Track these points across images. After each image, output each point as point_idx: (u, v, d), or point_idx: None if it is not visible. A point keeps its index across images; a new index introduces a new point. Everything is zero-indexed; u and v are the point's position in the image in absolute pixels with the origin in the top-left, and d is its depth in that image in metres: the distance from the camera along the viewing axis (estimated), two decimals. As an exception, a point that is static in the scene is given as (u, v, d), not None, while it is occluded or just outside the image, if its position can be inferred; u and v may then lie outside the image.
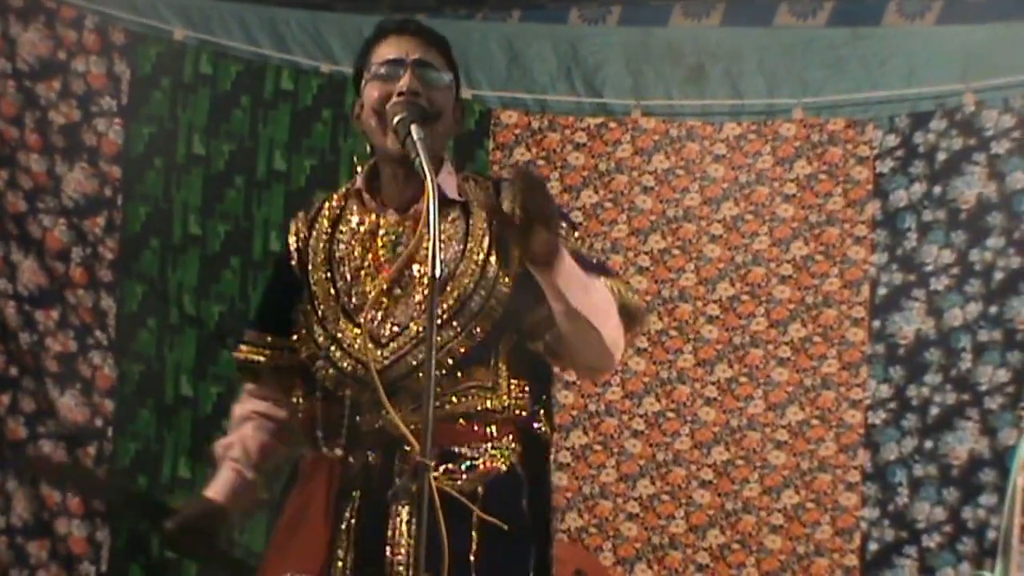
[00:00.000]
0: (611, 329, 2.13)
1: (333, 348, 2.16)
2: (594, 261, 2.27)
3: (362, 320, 2.14)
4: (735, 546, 4.11)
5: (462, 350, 2.16)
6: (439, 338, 2.10)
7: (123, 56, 4.07)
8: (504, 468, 2.19)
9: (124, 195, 4.08)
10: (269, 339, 2.32)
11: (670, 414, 4.17)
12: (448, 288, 2.16)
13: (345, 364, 2.15)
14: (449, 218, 2.19)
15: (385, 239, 2.20)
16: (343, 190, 2.31)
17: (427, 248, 1.94)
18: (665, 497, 4.15)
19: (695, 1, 4.43)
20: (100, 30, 4.05)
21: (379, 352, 2.13)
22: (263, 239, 4.18)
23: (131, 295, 4.10)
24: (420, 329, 2.12)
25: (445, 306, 2.15)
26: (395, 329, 2.15)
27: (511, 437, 2.20)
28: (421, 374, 2.02)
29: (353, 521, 2.12)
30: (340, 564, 2.12)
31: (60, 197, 4.00)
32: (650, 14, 4.46)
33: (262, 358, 2.32)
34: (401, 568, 2.09)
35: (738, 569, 4.10)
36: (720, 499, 4.12)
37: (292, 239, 2.29)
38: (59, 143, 4.01)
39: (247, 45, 4.22)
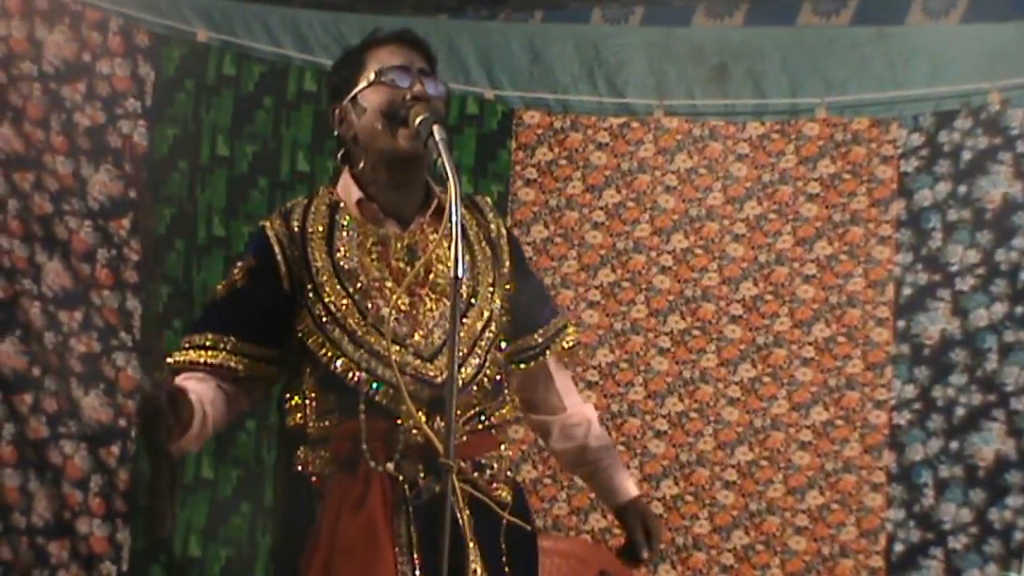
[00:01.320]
0: None
1: (374, 363, 2.13)
2: (549, 302, 2.44)
3: (402, 334, 2.14)
4: (759, 547, 4.09)
5: (498, 365, 2.23)
6: (478, 356, 2.19)
7: (147, 58, 4.08)
8: (513, 475, 2.27)
9: (149, 197, 4.09)
10: (249, 347, 2.18)
11: (693, 414, 4.16)
12: (472, 302, 2.20)
13: (395, 379, 2.09)
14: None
15: (400, 251, 2.20)
16: (321, 198, 2.25)
17: (449, 250, 1.98)
18: (689, 498, 4.14)
19: (718, 1, 4.42)
20: (124, 32, 4.06)
21: (430, 366, 2.14)
22: (287, 240, 4.18)
23: (156, 297, 4.11)
24: (471, 343, 2.18)
25: (479, 326, 2.20)
26: (437, 343, 2.16)
27: (505, 444, 2.27)
28: (475, 387, 2.16)
29: (414, 536, 2.11)
30: None
31: (85, 199, 4.02)
32: (673, 14, 4.46)
33: (240, 366, 2.18)
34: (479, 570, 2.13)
35: (763, 570, 4.08)
36: (744, 500, 4.11)
37: (276, 249, 2.19)
38: (84, 145, 4.02)
39: (270, 46, 4.24)
